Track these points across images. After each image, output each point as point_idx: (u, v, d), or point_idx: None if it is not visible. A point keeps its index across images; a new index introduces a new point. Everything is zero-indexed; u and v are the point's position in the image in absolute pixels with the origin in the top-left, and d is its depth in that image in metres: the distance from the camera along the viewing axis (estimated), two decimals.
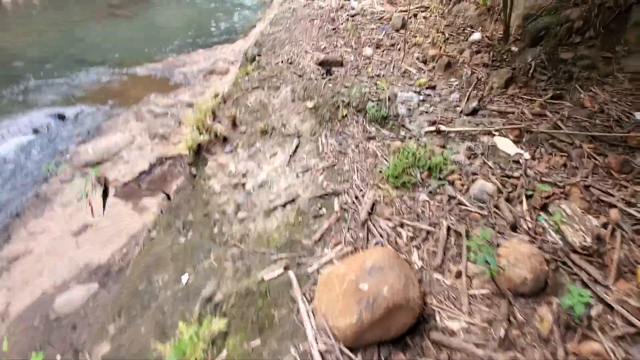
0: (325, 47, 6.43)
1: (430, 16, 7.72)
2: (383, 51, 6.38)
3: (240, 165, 4.00)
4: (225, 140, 4.30)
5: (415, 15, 7.81)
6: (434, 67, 5.65)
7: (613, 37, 5.07)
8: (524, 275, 2.34)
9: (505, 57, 5.56)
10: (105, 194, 3.83)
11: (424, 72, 5.54)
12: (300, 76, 5.09)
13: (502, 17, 6.41)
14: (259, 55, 7.19)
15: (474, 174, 3.40)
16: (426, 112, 4.42)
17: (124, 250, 4.41)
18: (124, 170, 5.68)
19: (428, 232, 2.82)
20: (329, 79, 5.11)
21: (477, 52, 5.85)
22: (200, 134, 4.25)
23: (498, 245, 2.63)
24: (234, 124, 4.40)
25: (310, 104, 4.40)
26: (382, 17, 8.14)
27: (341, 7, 9.09)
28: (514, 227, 2.77)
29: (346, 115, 4.27)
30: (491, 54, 5.70)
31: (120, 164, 5.74)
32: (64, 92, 7.97)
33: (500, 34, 6.19)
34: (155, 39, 11.24)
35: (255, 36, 10.53)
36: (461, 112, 4.42)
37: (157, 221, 4.25)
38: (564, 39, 5.32)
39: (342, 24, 7.85)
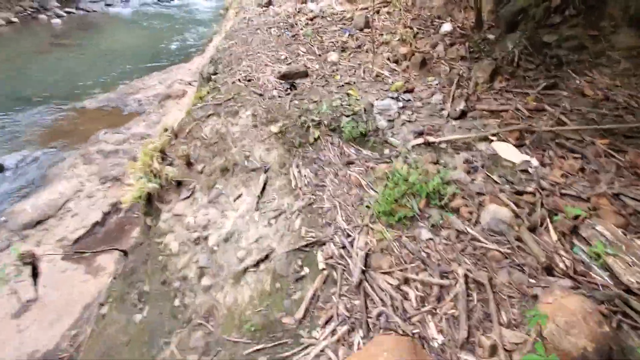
0: (286, 58, 5.73)
1: (394, 11, 7.12)
2: (350, 54, 5.72)
3: (199, 215, 3.26)
4: (179, 184, 3.56)
5: (378, 12, 7.20)
6: (407, 67, 5.02)
7: (595, 13, 4.56)
8: (582, 344, 1.71)
9: (483, 47, 4.98)
10: (35, 274, 3.05)
11: (398, 74, 4.91)
12: (260, 95, 4.38)
13: (471, 4, 5.87)
14: (215, 74, 6.43)
15: (480, 194, 2.78)
16: (409, 122, 3.78)
17: (74, 330, 3.61)
18: (73, 225, 4.84)
19: (441, 287, 2.16)
20: (294, 95, 4.41)
21: (451, 44, 5.27)
22: (149, 180, 3.49)
23: (535, 297, 2.00)
24: (189, 164, 3.65)
25: (275, 128, 3.70)
26: (343, 18, 7.50)
27: (299, 12, 8.40)
28: (549, 268, 2.14)
29: (319, 137, 3.59)
30: (467, 45, 5.12)
31: (68, 218, 4.90)
32: (3, 137, 7.00)
33: (473, 22, 5.64)
34: (105, 66, 10.31)
35: (212, 51, 9.75)
36: (448, 116, 3.79)
37: (110, 292, 3.47)
38: (542, 20, 4.79)
39: (301, 29, 7.17)
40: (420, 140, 3.44)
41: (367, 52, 5.80)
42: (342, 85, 4.63)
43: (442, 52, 5.19)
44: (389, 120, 3.80)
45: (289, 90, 4.57)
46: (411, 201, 2.72)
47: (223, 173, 3.48)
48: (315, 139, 3.57)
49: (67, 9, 15.50)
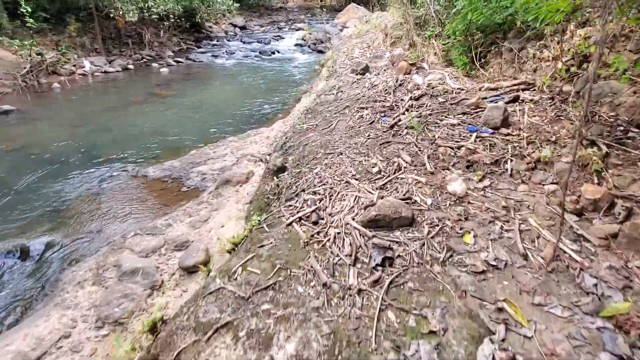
0: (379, 171, 3.54)
1: (541, 99, 4.59)
2: (482, 179, 3.32)
3: None
4: None
5: (516, 100, 4.72)
6: (611, 238, 2.46)
7: None
8: None
9: None
10: None
11: (594, 253, 2.36)
12: (325, 286, 2.18)
13: None
14: (283, 169, 4.50)
15: None
16: None
17: None
18: None
19: None
20: (389, 285, 2.14)
21: None
22: None
23: None
24: None
25: None
26: (460, 101, 5.12)
27: (400, 85, 6.25)
28: None
29: None
30: None
31: None
32: (46, 209, 5.83)
33: None
34: (186, 124, 9.26)
35: (294, 116, 8.10)
36: None
37: None
38: None
39: (403, 113, 4.99)
40: None
41: (512, 176, 3.36)
42: (480, 274, 2.23)
43: None
44: None
45: (378, 268, 2.32)
46: None
47: None
48: None
49: (177, 59, 15.51)
